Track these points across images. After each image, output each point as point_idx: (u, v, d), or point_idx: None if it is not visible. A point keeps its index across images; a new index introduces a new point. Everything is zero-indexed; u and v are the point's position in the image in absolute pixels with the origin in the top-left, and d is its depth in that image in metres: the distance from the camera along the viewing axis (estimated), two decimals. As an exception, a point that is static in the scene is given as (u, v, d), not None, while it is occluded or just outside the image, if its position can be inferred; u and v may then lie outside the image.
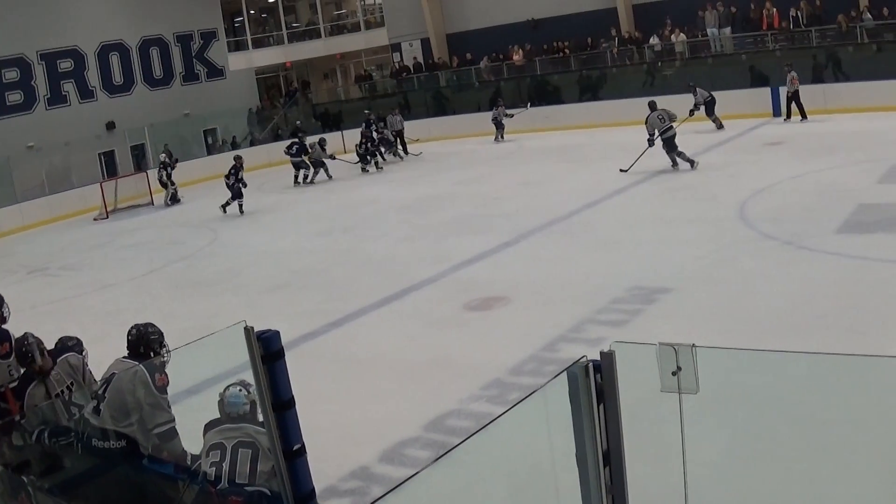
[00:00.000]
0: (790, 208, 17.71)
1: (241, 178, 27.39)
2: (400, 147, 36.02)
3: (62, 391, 7.63)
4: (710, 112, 29.35)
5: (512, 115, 35.69)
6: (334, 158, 32.76)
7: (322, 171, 32.47)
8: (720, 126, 29.54)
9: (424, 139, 37.16)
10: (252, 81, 46.55)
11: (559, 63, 39.94)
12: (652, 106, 24.51)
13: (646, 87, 35.25)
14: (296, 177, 32.44)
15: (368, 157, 33.25)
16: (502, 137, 35.79)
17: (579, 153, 29.51)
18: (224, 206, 27.52)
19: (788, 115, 29.80)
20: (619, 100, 34.36)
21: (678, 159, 23.75)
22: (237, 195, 27.07)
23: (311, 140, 33.33)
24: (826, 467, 7.27)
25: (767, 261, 14.71)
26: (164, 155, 33.70)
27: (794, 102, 29.57)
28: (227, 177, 27.58)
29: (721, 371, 4.31)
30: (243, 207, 27.45)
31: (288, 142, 34.48)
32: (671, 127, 23.73)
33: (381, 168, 33.23)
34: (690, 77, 31.91)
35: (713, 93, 29.59)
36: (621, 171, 24.02)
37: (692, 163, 23.56)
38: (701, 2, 35.88)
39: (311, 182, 32.24)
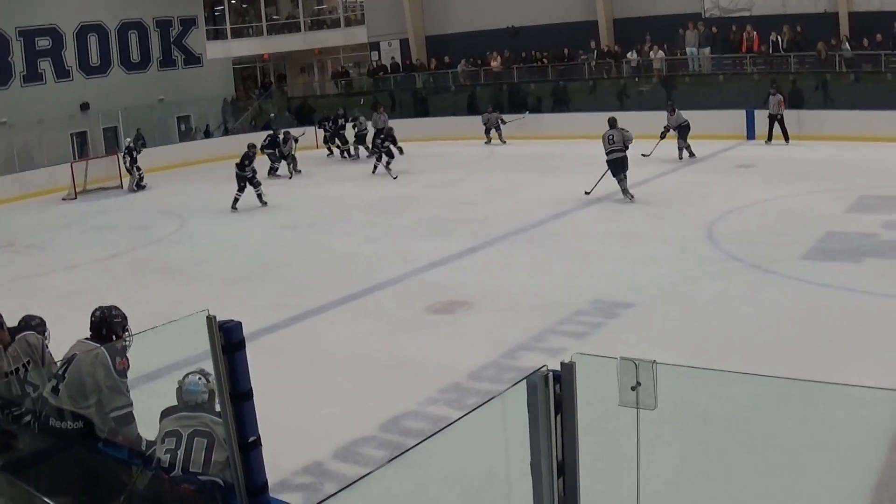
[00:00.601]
0: (758, 231, 17.80)
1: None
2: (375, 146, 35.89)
3: (16, 369, 7.59)
4: (682, 137, 29.13)
5: (505, 122, 35.89)
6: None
7: (286, 165, 32.27)
8: (691, 154, 28.48)
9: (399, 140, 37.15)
10: (229, 71, 46.37)
11: (536, 72, 39.95)
12: (611, 123, 23.15)
13: (621, 101, 35.35)
14: (270, 169, 32.28)
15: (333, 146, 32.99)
16: (501, 139, 35.93)
17: (551, 163, 29.53)
18: (236, 202, 26.27)
19: (770, 138, 29.83)
20: (594, 112, 34.33)
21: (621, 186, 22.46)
22: (256, 185, 26.47)
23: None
24: (777, 490, 7.32)
25: (732, 282, 14.78)
26: (129, 140, 33.53)
27: (778, 125, 29.68)
28: (242, 168, 26.22)
29: (680, 389, 4.33)
30: (263, 197, 26.53)
31: (263, 135, 34.45)
32: (619, 150, 22.27)
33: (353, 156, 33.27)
34: (669, 96, 32.06)
35: (688, 113, 29.54)
36: (586, 193, 23.07)
37: (628, 194, 22.30)
38: (682, 20, 35.94)
39: (277, 175, 32.08)
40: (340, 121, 37.02)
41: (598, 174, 23.18)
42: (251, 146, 26.94)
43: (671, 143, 27.27)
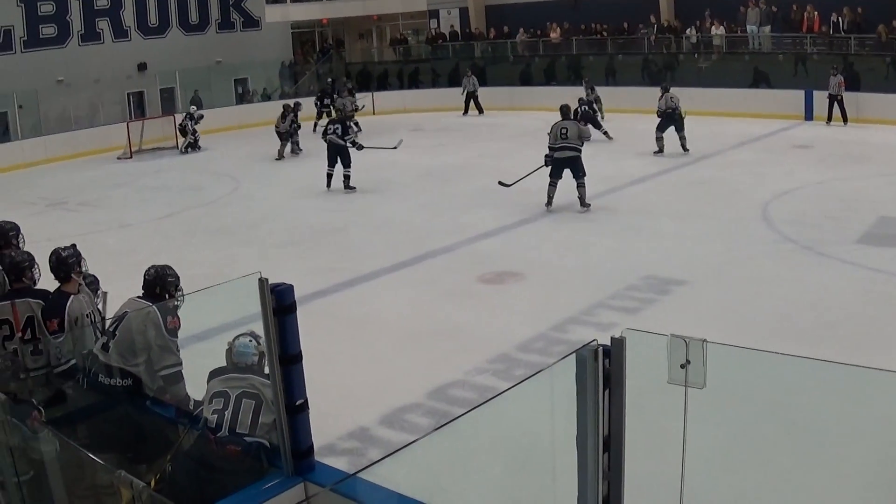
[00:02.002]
0: (813, 213, 17.63)
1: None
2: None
3: (87, 314, 7.66)
4: (679, 128, 25.80)
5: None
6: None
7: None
8: (660, 150, 25.27)
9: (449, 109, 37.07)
10: (287, 35, 46.27)
11: (595, 45, 39.69)
12: (564, 112, 19.98)
13: (675, 77, 35.00)
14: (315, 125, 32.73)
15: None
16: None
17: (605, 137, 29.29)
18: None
19: (829, 118, 29.47)
20: (652, 87, 34.10)
21: (550, 190, 19.29)
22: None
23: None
24: (820, 474, 7.29)
25: (784, 264, 14.68)
26: (194, 108, 33.53)
27: (837, 106, 29.32)
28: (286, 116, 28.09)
29: (728, 368, 4.30)
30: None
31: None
32: (571, 147, 18.96)
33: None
34: (725, 71, 31.84)
35: (746, 91, 29.06)
36: (501, 184, 20.38)
37: (585, 204, 18.97)
38: (743, -2, 35.63)
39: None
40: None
41: (652, 149, 23.00)
42: (296, 104, 28.86)
43: (738, 122, 26.96)
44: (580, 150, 19.08)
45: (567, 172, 19.04)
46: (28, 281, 7.93)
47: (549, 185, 19.16)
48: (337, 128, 22.95)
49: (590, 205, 18.96)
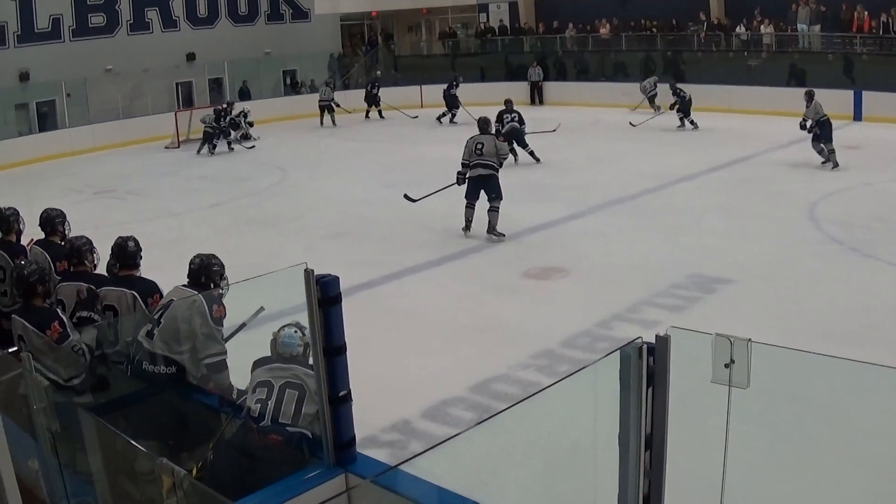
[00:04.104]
0: (860, 215, 17.48)
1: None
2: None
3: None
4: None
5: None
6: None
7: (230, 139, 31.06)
8: (834, 164, 22.74)
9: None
10: (336, 27, 46.37)
11: (645, 41, 39.56)
12: (482, 126, 17.92)
13: (728, 74, 34.79)
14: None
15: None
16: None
17: (654, 134, 29.24)
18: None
19: None
20: (701, 84, 33.92)
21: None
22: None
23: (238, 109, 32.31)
24: (863, 477, 7.25)
25: (831, 265, 14.57)
26: (245, 107, 33.54)
27: None
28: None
29: (772, 369, 4.28)
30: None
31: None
32: (486, 165, 16.85)
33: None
34: (780, 70, 31.60)
35: (795, 90, 28.77)
36: (406, 198, 18.81)
37: (496, 233, 16.76)
38: (794, -4, 35.38)
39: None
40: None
41: (705, 147, 22.84)
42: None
43: (787, 121, 26.82)
44: (496, 170, 16.93)
45: (483, 193, 16.99)
46: (89, 265, 8.23)
47: (466, 207, 17.17)
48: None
49: (503, 235, 16.83)
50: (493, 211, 16.81)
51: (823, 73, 32.39)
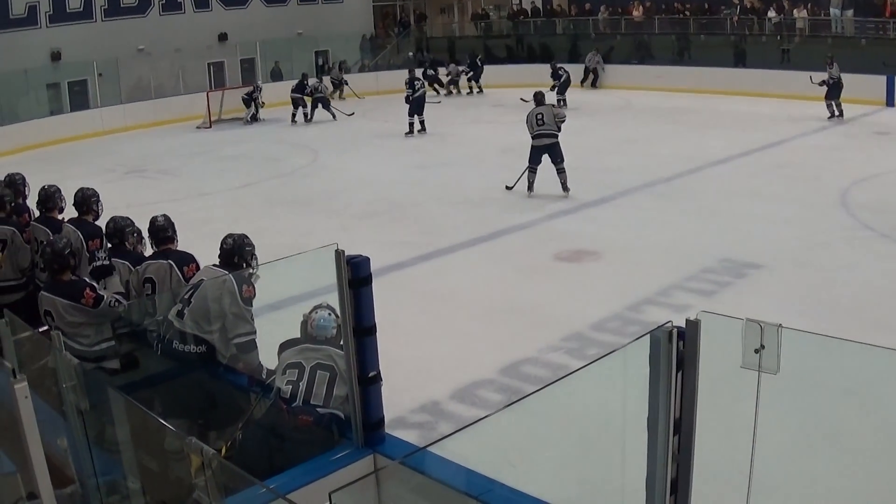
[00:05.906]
0: (892, 201, 17.36)
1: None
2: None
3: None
4: (832, 96, 28.26)
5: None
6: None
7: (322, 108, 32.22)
8: (840, 113, 27.23)
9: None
10: (368, 8, 46.28)
11: (677, 24, 39.34)
12: (538, 99, 19.52)
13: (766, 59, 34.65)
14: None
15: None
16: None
17: (687, 117, 29.11)
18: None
19: None
20: (733, 68, 33.76)
21: (526, 178, 19.06)
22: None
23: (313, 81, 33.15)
24: (892, 466, 7.20)
25: (862, 251, 14.47)
26: (260, 82, 33.84)
27: None
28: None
29: (803, 355, 4.27)
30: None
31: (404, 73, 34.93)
32: (549, 134, 18.63)
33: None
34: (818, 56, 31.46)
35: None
36: (507, 188, 19.56)
37: (567, 189, 18.75)
38: (827, -20, 35.15)
39: (311, 119, 32.10)
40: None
41: (739, 131, 22.73)
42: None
43: (819, 106, 26.69)
44: (557, 136, 18.71)
45: (546, 158, 18.83)
46: (129, 246, 8.41)
47: (529, 171, 19.00)
48: None
49: (569, 189, 18.75)
50: (562, 171, 18.74)
51: (856, 57, 32.17)
